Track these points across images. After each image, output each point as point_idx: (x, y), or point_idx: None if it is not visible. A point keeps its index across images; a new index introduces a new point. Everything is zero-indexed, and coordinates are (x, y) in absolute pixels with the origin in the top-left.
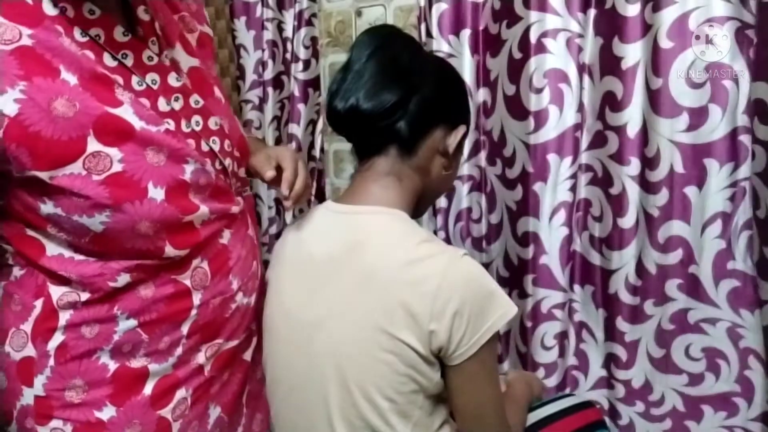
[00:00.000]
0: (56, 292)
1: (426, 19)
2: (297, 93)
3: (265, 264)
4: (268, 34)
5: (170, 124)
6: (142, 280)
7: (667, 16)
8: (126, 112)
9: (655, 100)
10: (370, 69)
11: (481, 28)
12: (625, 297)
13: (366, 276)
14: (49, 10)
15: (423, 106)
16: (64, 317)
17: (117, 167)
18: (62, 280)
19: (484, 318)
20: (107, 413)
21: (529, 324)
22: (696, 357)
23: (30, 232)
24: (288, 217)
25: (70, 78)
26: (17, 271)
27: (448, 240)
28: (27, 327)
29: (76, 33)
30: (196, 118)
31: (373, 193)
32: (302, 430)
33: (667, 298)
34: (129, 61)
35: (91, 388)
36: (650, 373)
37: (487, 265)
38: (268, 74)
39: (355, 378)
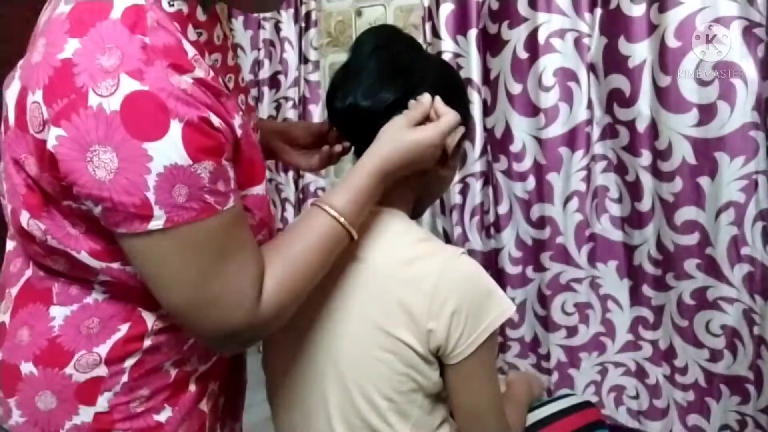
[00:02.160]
0: (150, 318)
1: (432, 19)
2: (308, 94)
3: None
4: (265, 33)
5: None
6: None
7: (674, 16)
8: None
9: (664, 96)
10: (370, 68)
11: (479, 27)
12: (649, 268)
13: (364, 275)
14: (192, 35)
15: None
16: (150, 338)
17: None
18: (156, 305)
19: (482, 317)
20: (164, 415)
21: (548, 292)
22: (716, 333)
23: None
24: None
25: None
26: (98, 295)
27: (464, 234)
28: (102, 349)
29: (207, 57)
30: (242, 97)
31: None
32: (301, 429)
33: (687, 275)
34: (231, 84)
35: (153, 395)
36: (675, 339)
37: (498, 251)
38: (264, 74)
39: (353, 377)
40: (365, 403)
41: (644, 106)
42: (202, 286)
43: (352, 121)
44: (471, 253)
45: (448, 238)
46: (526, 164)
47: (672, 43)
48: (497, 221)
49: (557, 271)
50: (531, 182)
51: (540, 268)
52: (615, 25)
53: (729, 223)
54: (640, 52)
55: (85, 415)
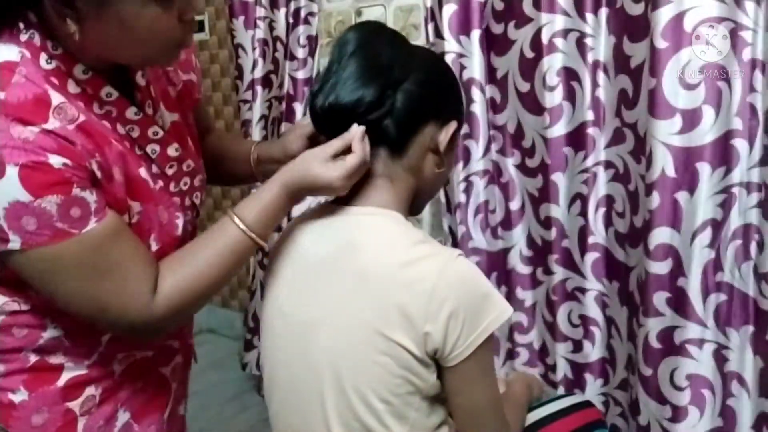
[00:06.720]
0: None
1: (435, 20)
2: (292, 91)
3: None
4: (260, 33)
5: (161, 185)
6: None
7: (662, 16)
8: (145, 173)
9: (651, 101)
10: (351, 67)
11: (483, 27)
12: (637, 296)
13: (360, 277)
14: (72, 88)
15: (408, 104)
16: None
17: (135, 218)
18: (8, 288)
19: (479, 319)
20: (19, 396)
21: (554, 298)
22: (681, 386)
23: None
24: None
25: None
26: None
27: (468, 233)
28: None
29: (95, 107)
30: (185, 179)
31: (366, 195)
32: (299, 431)
33: (656, 312)
34: (134, 134)
35: (9, 374)
36: (641, 394)
37: (507, 250)
38: (258, 73)
39: (350, 380)
40: (362, 406)
41: (644, 109)
42: (88, 296)
43: (333, 121)
44: (476, 251)
45: (454, 237)
46: (536, 161)
47: (660, 44)
48: (508, 218)
49: (562, 277)
50: (540, 180)
51: (548, 270)
52: (621, 24)
53: (705, 246)
54: (640, 52)
55: None
